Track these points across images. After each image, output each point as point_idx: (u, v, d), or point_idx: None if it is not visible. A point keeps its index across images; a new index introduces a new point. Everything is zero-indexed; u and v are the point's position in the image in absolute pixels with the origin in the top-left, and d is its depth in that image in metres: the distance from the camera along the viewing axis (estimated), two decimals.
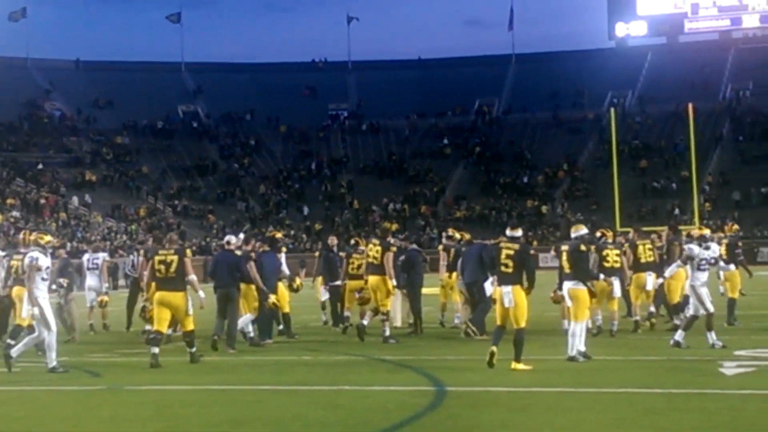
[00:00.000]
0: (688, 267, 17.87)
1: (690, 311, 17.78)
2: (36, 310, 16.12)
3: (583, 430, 10.67)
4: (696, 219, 48.97)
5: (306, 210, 76.93)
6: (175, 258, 17.05)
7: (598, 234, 20.63)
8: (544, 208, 74.83)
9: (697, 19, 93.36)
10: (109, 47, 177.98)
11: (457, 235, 23.27)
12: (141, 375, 16.00)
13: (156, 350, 16.68)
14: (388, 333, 20.09)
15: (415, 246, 23.83)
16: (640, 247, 21.30)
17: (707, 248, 17.71)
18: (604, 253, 19.93)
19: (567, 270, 16.78)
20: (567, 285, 16.64)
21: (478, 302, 20.86)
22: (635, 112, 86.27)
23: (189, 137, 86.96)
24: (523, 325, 15.41)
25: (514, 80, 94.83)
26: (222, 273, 19.37)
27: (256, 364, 17.08)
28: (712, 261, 18.02)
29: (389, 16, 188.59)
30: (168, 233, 20.13)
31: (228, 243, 20.03)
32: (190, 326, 17.20)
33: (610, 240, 20.83)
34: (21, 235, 20.59)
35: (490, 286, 18.48)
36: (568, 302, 16.65)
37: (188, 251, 17.66)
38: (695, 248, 17.64)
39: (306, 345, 19.96)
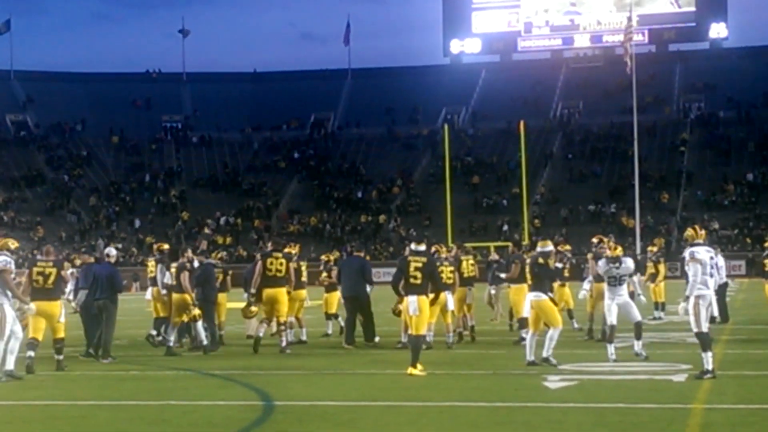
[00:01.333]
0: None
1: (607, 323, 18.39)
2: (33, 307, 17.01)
3: None
4: (525, 235, 50.08)
5: (137, 222, 75.95)
6: (54, 270, 17.59)
7: (433, 249, 20.96)
8: (382, 218, 75.43)
9: (530, 37, 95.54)
10: None
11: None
12: None
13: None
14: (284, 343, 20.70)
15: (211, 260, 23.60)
16: (464, 263, 22.01)
17: (618, 266, 18.22)
18: (440, 269, 20.23)
19: (530, 281, 17.67)
20: (530, 296, 17.53)
21: (356, 314, 21.74)
22: (468, 128, 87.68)
23: (17, 147, 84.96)
24: (422, 332, 16.66)
25: (349, 95, 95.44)
26: (100, 285, 19.61)
27: (83, 378, 16.81)
28: (622, 277, 18.54)
29: (224, 29, 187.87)
30: (45, 245, 20.08)
31: (108, 255, 20.58)
32: (62, 334, 17.64)
33: (443, 256, 21.30)
34: None
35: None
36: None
37: (66, 263, 18.47)
38: (602, 265, 18.35)
39: (135, 359, 19.73)
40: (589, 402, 13.24)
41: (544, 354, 17.08)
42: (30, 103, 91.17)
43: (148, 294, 22.69)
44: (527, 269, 18.07)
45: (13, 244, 17.29)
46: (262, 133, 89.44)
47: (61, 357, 17.72)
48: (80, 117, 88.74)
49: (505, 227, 69.53)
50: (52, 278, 17.48)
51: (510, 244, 25.55)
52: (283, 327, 20.83)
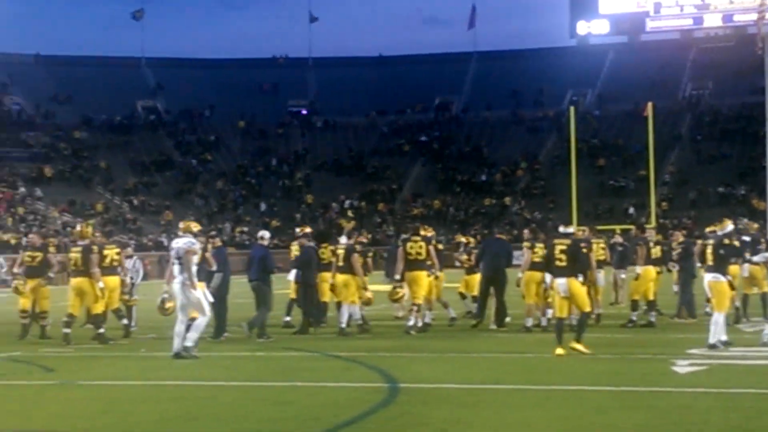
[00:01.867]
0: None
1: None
2: (196, 294, 17.13)
3: (533, 427, 10.71)
4: (652, 218, 49.31)
5: (263, 206, 76.79)
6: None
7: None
8: (507, 200, 75.10)
9: (659, 18, 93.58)
10: (70, 42, 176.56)
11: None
12: (94, 370, 15.96)
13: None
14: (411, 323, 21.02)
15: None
16: (594, 246, 21.80)
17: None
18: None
19: (710, 262, 17.64)
20: (707, 277, 17.60)
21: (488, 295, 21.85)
22: (594, 110, 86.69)
23: (147, 133, 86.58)
24: (587, 309, 17.05)
25: (474, 78, 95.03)
26: (252, 267, 20.51)
27: (210, 360, 17.04)
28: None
29: (350, 14, 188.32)
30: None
31: (262, 238, 21.39)
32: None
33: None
34: (78, 227, 21.52)
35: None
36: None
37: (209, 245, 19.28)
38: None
39: (253, 339, 19.94)
40: (719, 387, 12.99)
41: (711, 341, 16.94)
42: (160, 90, 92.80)
43: (291, 275, 22.99)
44: (709, 250, 17.79)
45: (195, 227, 17.86)
46: (387, 117, 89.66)
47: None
48: (208, 103, 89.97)
49: (631, 210, 68.62)
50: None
51: (633, 226, 25.26)
52: (416, 308, 21.03)
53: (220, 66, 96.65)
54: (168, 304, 18.72)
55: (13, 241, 57.93)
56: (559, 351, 16.27)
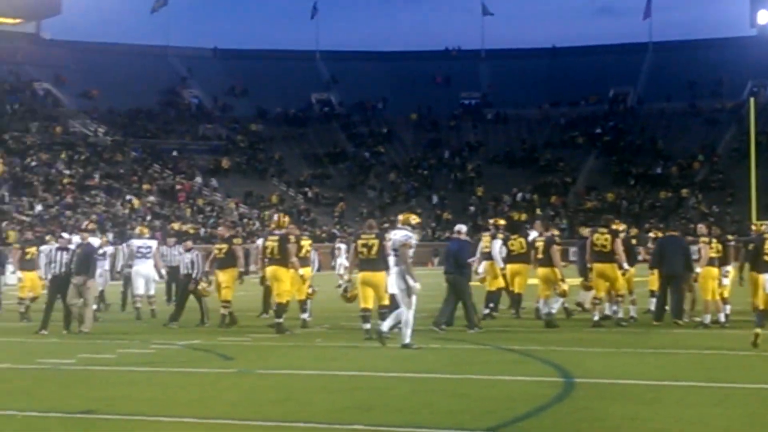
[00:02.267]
0: None
1: None
2: (418, 286, 17.34)
3: (712, 426, 10.47)
4: None
5: (435, 198, 76.98)
6: (376, 241, 18.42)
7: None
8: (684, 192, 73.63)
9: None
10: (246, 35, 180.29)
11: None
12: (271, 359, 16.26)
13: (368, 326, 18.38)
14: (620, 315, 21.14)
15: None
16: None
17: None
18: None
19: None
20: None
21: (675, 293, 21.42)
22: None
23: (322, 125, 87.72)
24: None
25: (650, 69, 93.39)
26: (448, 260, 20.74)
27: (385, 350, 17.15)
28: None
29: (523, 5, 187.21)
30: (369, 220, 21.56)
31: (459, 231, 21.30)
32: (386, 301, 18.40)
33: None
34: (276, 217, 22.00)
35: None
36: None
37: (387, 235, 19.14)
38: None
39: (435, 333, 19.96)
40: None
41: None
42: (334, 83, 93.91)
43: (481, 267, 23.10)
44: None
45: (414, 219, 18.05)
46: (560, 109, 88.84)
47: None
48: (381, 95, 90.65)
49: None
50: (375, 249, 18.35)
51: None
52: (620, 299, 21.07)
53: (393, 58, 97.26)
54: (351, 293, 19.19)
55: (191, 231, 59.38)
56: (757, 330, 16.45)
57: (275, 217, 22.40)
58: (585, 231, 23.48)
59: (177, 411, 11.40)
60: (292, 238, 20.64)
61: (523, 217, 71.27)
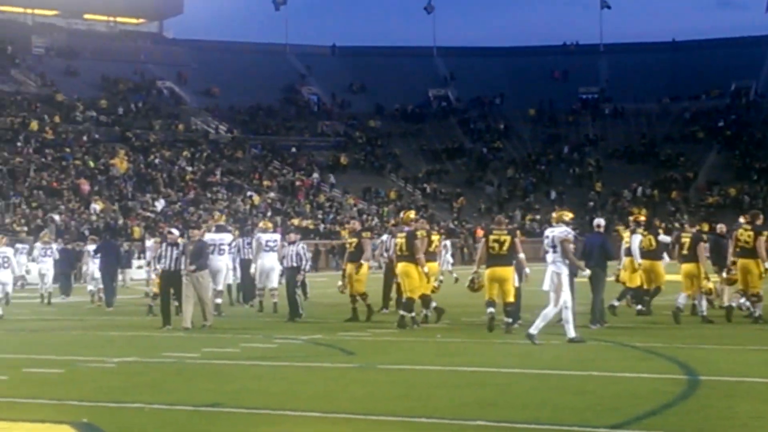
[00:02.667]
0: None
1: None
2: (588, 272, 18.26)
3: None
4: None
5: (553, 194, 76.42)
6: (508, 238, 18.81)
7: None
8: None
9: None
10: (364, 33, 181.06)
11: None
12: (392, 354, 16.31)
13: (492, 309, 18.89)
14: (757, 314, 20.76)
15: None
16: None
17: None
18: None
19: None
20: None
21: None
22: None
23: (439, 121, 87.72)
24: None
25: None
26: (590, 253, 20.57)
27: (504, 347, 17.09)
28: None
29: None
30: (498, 216, 21.95)
31: (598, 225, 21.60)
32: (512, 298, 18.79)
33: None
34: (402, 215, 22.42)
35: None
36: None
37: (518, 232, 19.76)
38: None
39: (555, 328, 19.82)
40: None
41: None
42: (451, 78, 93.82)
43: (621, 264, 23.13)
44: None
45: (567, 215, 18.13)
46: (680, 103, 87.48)
47: (509, 320, 18.81)
48: (499, 91, 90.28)
49: None
50: (506, 245, 18.75)
51: None
52: (755, 299, 20.75)
53: (511, 54, 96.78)
54: (479, 283, 19.38)
55: (311, 227, 59.95)
56: None
57: (402, 213, 22.65)
58: (720, 227, 23.79)
59: (302, 405, 11.50)
60: (422, 233, 20.69)
61: (643, 213, 70.51)
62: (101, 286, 29.30)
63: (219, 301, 24.84)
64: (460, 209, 72.19)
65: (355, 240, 22.62)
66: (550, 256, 17.36)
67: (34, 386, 13.18)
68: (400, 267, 20.54)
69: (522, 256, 19.24)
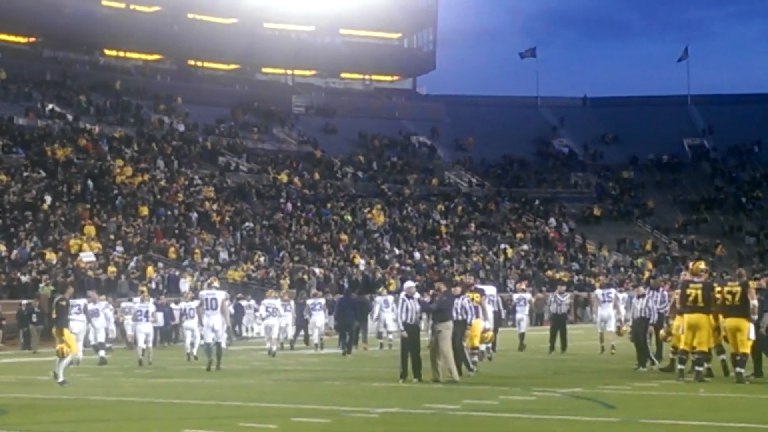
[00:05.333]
0: None
1: None
2: None
3: None
4: None
5: None
6: (739, 289, 19.17)
7: None
8: None
9: None
10: (615, 83, 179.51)
11: None
12: (654, 409, 15.98)
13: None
14: None
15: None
16: None
17: None
18: None
19: None
20: None
21: None
22: None
23: (695, 171, 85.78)
24: None
25: None
26: None
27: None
28: None
29: None
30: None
31: None
32: (747, 349, 19.05)
33: None
34: (691, 264, 22.39)
35: None
36: None
37: (751, 283, 20.01)
38: None
39: None
40: None
41: None
42: (707, 127, 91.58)
43: None
44: None
45: None
46: None
47: (741, 370, 18.90)
48: (757, 138, 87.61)
49: None
50: (738, 296, 19.09)
51: None
52: None
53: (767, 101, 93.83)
54: None
55: (565, 279, 59.50)
56: None
57: (690, 263, 22.57)
58: None
59: None
60: (717, 285, 20.10)
61: None
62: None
63: None
64: (720, 258, 70.12)
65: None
66: None
67: None
68: (693, 318, 19.80)
69: (754, 303, 19.19)
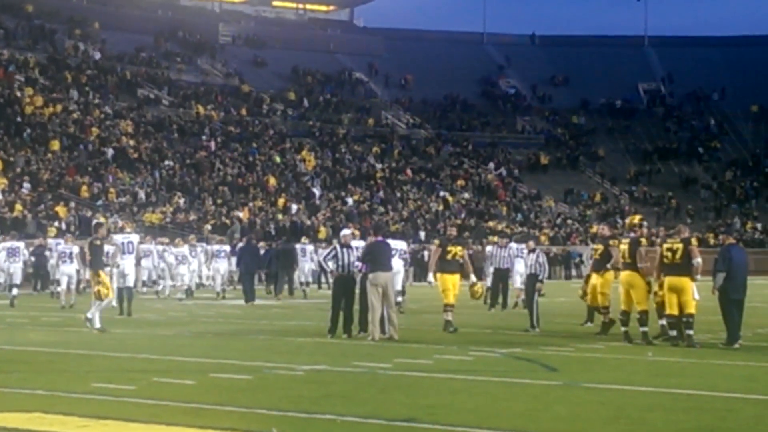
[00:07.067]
0: None
1: None
2: None
3: None
4: None
5: None
6: (680, 246, 19.27)
7: None
8: None
9: None
10: (567, 21, 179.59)
11: None
12: (598, 372, 16.15)
13: (674, 333, 19.57)
14: None
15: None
16: None
17: None
18: None
19: None
20: None
21: None
22: None
23: (650, 118, 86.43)
24: None
25: None
26: None
27: (725, 368, 16.74)
28: None
29: None
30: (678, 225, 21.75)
31: None
32: (692, 309, 19.26)
33: None
34: (628, 219, 22.66)
35: None
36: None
37: (693, 240, 20.13)
38: None
39: None
40: None
41: None
42: (664, 71, 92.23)
43: None
44: None
45: None
46: None
47: (691, 332, 19.30)
48: (717, 85, 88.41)
49: None
50: (679, 254, 19.20)
51: None
52: None
53: (732, 44, 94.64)
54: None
55: (507, 231, 59.81)
56: None
57: (627, 219, 23.26)
58: None
59: (503, 423, 11.48)
60: (643, 241, 20.35)
61: None
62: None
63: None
64: (674, 210, 70.83)
65: (601, 247, 22.48)
66: None
67: (221, 393, 13.53)
68: (624, 276, 20.33)
69: (696, 261, 19.36)
